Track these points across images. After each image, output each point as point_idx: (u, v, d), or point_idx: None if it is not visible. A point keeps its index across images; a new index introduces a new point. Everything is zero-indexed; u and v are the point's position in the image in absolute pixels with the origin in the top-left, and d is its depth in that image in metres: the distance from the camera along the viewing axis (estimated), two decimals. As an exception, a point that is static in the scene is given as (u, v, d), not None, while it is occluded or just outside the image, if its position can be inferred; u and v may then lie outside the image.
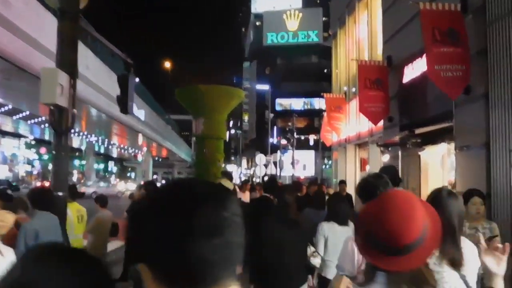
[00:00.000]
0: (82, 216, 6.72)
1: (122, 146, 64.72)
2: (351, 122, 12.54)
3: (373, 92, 8.69)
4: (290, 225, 3.94)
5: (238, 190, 13.87)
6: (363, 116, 11.36)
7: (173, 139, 63.42)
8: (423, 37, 6.36)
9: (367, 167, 13.56)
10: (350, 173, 12.90)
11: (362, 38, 12.36)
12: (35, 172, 61.55)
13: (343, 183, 9.77)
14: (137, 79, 47.40)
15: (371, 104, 8.76)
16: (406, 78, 8.21)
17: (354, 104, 12.23)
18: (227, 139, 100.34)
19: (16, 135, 53.78)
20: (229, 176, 7.56)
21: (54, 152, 6.02)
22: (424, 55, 6.93)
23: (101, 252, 7.38)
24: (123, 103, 8.23)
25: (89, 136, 51.62)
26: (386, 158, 9.22)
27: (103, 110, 30.39)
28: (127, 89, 8.26)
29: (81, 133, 51.44)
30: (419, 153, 8.00)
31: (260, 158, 23.98)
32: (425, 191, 8.49)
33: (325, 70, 47.17)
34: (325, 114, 18.70)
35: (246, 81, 62.46)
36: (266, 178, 26.90)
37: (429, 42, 6.27)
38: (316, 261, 4.20)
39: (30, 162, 62.22)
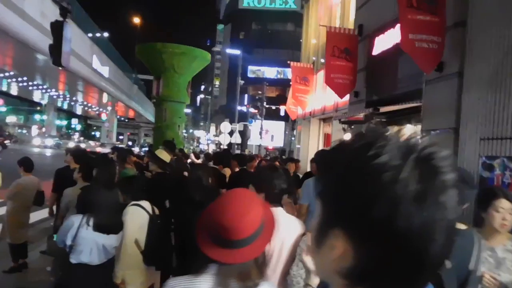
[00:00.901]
0: (-7, 181, 5.84)
1: (86, 103, 62.43)
2: (317, 95, 11.87)
3: (341, 62, 7.94)
4: (198, 204, 3.40)
5: (194, 158, 13.16)
6: (329, 88, 10.72)
7: (140, 99, 61.56)
8: (398, 2, 5.64)
9: (331, 144, 13.06)
10: (313, 148, 12.33)
11: (335, 4, 11.54)
12: (-10, 125, 58.66)
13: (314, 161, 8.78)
14: (106, 34, 45.31)
15: (338, 75, 8.02)
16: (376, 50, 7.51)
17: (321, 75, 11.54)
18: (198, 104, 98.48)
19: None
20: (169, 146, 6.72)
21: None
22: (398, 25, 6.23)
23: (22, 221, 6.55)
24: (56, 53, 7.23)
25: (49, 90, 49.27)
26: (348, 136, 8.63)
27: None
28: (61, 37, 7.24)
29: (41, 87, 49.04)
30: (383, 133, 7.39)
31: (225, 126, 23.15)
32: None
33: (301, 40, 46.26)
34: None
35: (219, 44, 60.70)
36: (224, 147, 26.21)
37: (403, 7, 5.57)
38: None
39: (-15, 114, 59.34)
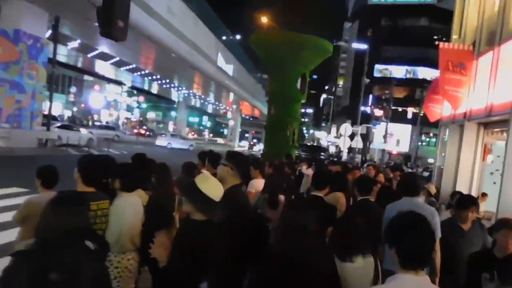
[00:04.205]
0: None
1: (215, 102, 63.83)
2: (477, 89, 8.11)
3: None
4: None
5: (305, 169, 10.14)
6: (502, 78, 6.99)
7: (264, 99, 60.78)
8: None
9: (489, 158, 9.14)
10: (466, 162, 8.54)
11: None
12: (133, 119, 63.29)
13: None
14: (238, 37, 44.70)
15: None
16: None
17: (487, 61, 7.75)
18: (321, 105, 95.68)
19: (118, 83, 54.87)
20: (235, 160, 3.48)
21: None
22: None
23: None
24: (106, 21, 4.97)
25: (181, 88, 50.80)
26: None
27: (181, 56, 27.93)
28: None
29: (177, 87, 51.03)
30: None
31: (345, 128, 19.84)
32: None
33: (435, 36, 40.17)
34: (434, 78, 14.12)
35: (345, 43, 56.62)
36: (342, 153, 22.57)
37: None
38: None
39: (130, 109, 64.07)
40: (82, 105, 52.54)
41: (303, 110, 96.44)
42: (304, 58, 12.47)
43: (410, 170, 24.12)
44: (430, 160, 37.35)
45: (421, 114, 35.05)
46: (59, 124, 23.58)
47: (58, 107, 47.73)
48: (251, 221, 3.21)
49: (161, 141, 35.10)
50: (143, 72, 41.54)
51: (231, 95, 50.59)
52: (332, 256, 2.58)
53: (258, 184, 5.80)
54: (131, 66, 37.56)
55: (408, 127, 44.22)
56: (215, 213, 2.61)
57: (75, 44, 28.57)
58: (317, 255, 2.41)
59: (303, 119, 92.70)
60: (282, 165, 7.81)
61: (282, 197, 5.36)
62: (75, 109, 50.82)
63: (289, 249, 2.44)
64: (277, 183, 5.44)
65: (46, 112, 20.50)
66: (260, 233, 3.29)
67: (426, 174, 21.72)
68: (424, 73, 44.27)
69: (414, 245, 1.80)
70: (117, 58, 33.51)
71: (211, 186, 2.62)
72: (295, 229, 2.46)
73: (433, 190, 9.08)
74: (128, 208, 3.59)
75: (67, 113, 48.21)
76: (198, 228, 2.54)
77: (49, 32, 21.52)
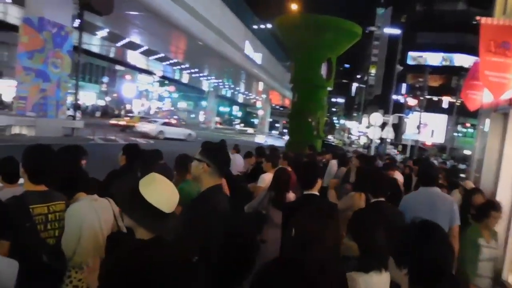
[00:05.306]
0: None
1: (245, 91, 63.26)
2: (525, 71, 6.97)
3: None
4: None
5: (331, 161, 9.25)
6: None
7: (294, 88, 59.59)
8: None
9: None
10: (511, 155, 7.49)
11: None
12: (164, 109, 63.46)
13: None
14: (269, 26, 43.81)
15: None
16: None
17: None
18: (353, 94, 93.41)
19: (149, 72, 54.99)
20: (211, 154, 2.69)
21: None
22: None
23: None
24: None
25: (209, 77, 50.37)
26: None
27: (208, 44, 27.29)
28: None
29: (207, 76, 50.73)
30: None
31: (375, 117, 18.68)
32: None
33: (474, 21, 37.66)
34: (473, 62, 12.73)
35: (378, 30, 54.36)
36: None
37: None
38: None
39: (161, 99, 64.26)
40: (115, 95, 53.00)
41: (333, 100, 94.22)
42: (329, 41, 11.51)
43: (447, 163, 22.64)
44: (467, 152, 35.37)
45: (458, 104, 33.07)
46: (163, 121, 28.28)
47: (92, 96, 48.34)
48: (233, 234, 2.47)
49: (259, 139, 39.23)
50: (172, 61, 41.40)
51: (261, 84, 49.77)
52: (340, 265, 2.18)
53: (269, 178, 5.06)
54: (159, 55, 37.40)
55: (444, 117, 42.10)
56: (166, 229, 1.87)
57: (103, 33, 28.45)
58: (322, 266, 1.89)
59: (333, 109, 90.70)
60: (299, 157, 7.00)
61: (291, 196, 4.58)
62: (108, 99, 51.35)
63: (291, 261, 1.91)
64: (285, 178, 4.63)
65: (80, 102, 20.67)
66: (245, 249, 2.54)
67: (462, 166, 20.29)
68: (461, 60, 41.86)
69: (430, 260, 1.57)
70: (145, 47, 33.33)
71: (159, 192, 1.86)
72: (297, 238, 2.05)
73: (470, 186, 7.99)
74: (90, 213, 2.90)
75: (101, 103, 48.77)
76: (141, 251, 1.80)
77: (78, 21, 21.39)
